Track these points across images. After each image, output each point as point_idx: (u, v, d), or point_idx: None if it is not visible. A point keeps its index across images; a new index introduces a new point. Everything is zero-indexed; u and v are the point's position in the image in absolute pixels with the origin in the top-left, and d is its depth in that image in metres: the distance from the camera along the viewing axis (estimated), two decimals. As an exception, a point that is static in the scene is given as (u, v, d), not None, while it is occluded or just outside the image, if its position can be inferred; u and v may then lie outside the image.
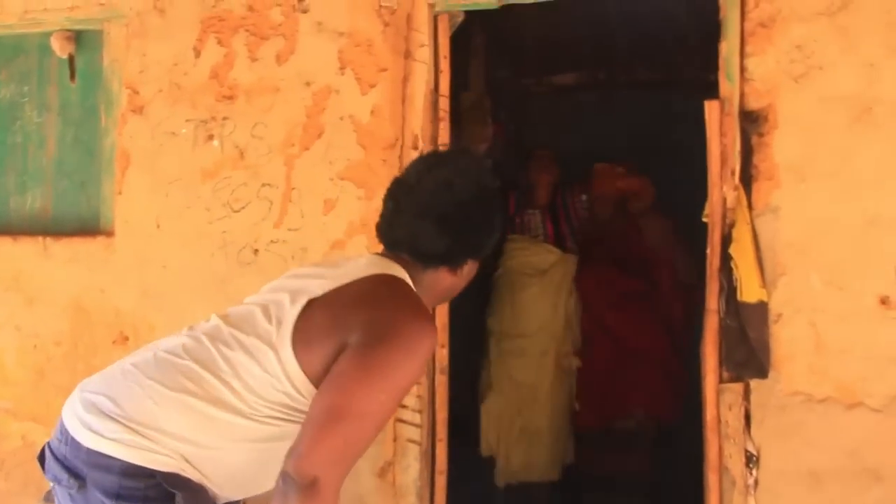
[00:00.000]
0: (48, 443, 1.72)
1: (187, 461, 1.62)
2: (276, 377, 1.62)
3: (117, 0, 3.28)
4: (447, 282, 1.84)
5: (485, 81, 4.54)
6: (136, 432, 1.60)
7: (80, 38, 3.41)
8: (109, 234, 3.26)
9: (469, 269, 1.86)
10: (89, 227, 3.33)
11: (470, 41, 4.34)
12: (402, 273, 1.76)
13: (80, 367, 3.19)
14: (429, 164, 1.86)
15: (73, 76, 3.41)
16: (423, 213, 1.76)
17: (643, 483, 3.80)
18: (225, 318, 1.74)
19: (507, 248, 3.98)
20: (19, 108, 3.51)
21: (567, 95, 5.34)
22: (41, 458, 1.73)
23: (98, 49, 3.39)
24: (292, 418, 1.63)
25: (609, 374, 3.82)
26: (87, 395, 1.67)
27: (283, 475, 1.50)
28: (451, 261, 1.80)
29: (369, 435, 1.57)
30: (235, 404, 1.61)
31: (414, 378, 1.64)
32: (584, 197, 4.04)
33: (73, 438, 1.63)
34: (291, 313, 1.65)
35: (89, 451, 1.60)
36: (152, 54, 3.21)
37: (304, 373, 1.61)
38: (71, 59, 3.39)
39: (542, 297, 3.88)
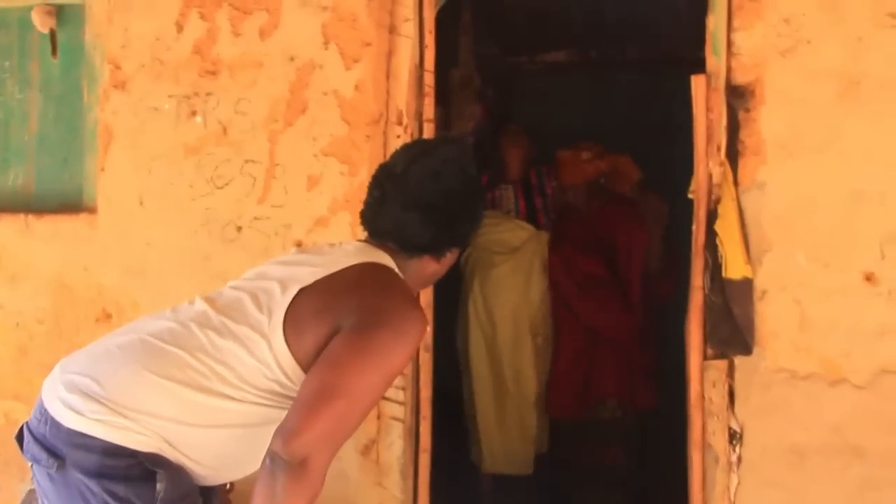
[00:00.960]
0: (26, 423, 1.71)
1: (168, 443, 1.62)
2: (268, 366, 1.62)
3: (99, -27, 3.25)
4: (431, 269, 1.88)
5: (474, 58, 4.51)
6: (118, 413, 1.59)
7: (62, 13, 3.37)
8: (92, 210, 3.23)
9: (451, 257, 1.90)
10: (72, 203, 3.30)
11: (459, 17, 4.31)
12: (388, 261, 1.78)
13: (62, 345, 3.16)
14: (415, 153, 1.86)
15: (54, 51, 3.37)
16: (409, 204, 1.78)
17: (621, 475, 3.71)
18: (212, 304, 1.73)
19: None
20: (0, 84, 3.47)
21: (559, 73, 5.30)
22: (19, 438, 1.72)
23: (80, 24, 3.34)
24: (281, 405, 1.63)
25: (578, 359, 3.73)
26: (70, 377, 1.67)
27: (271, 454, 1.50)
28: (435, 250, 1.83)
29: (359, 416, 1.58)
30: (223, 391, 1.62)
31: (404, 362, 1.65)
32: (554, 182, 3.96)
33: (53, 418, 1.63)
34: (282, 302, 1.65)
35: (70, 431, 1.60)
36: (134, 29, 3.17)
37: (295, 360, 1.62)
38: (52, 33, 3.35)
39: (513, 276, 3.77)
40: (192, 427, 1.62)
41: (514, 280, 3.77)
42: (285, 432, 1.49)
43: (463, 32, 4.36)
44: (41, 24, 3.31)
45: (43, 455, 1.63)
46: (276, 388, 1.63)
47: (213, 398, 1.61)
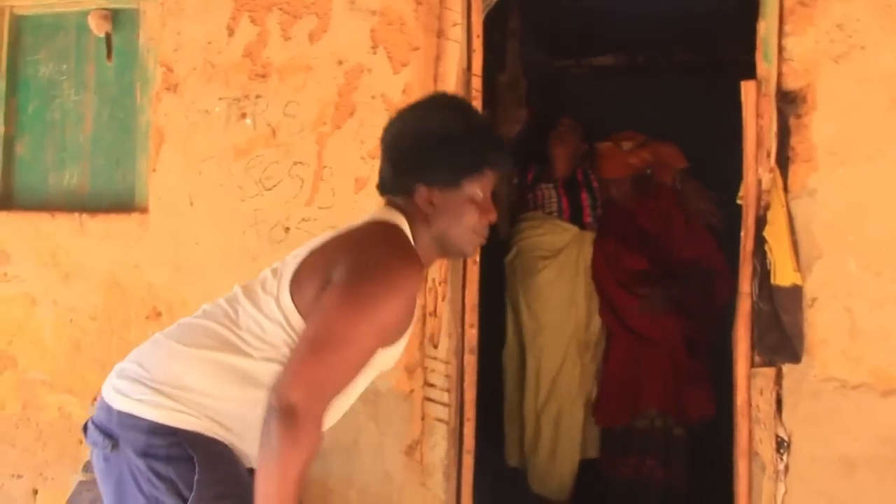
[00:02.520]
0: (91, 416, 1.82)
1: (212, 419, 1.69)
2: (281, 325, 1.69)
3: (153, -22, 3.32)
4: (419, 214, 1.83)
5: (521, 63, 4.51)
6: (162, 392, 1.69)
7: (117, 17, 3.44)
8: (144, 210, 3.29)
9: (441, 201, 1.80)
10: (124, 203, 3.37)
11: (506, 22, 4.31)
12: (399, 219, 1.80)
13: (114, 342, 3.25)
14: (402, 110, 1.92)
15: (109, 54, 3.44)
16: (387, 153, 1.86)
17: (656, 488, 3.58)
18: (243, 284, 1.85)
19: (519, 228, 3.79)
20: (58, 86, 3.55)
21: (606, 77, 5.29)
22: (85, 428, 1.82)
23: (134, 27, 3.42)
24: None
25: (625, 364, 3.62)
26: (122, 365, 1.80)
27: (267, 408, 1.58)
28: (398, 182, 1.82)
29: (350, 365, 1.64)
30: (248, 350, 1.70)
31: (396, 315, 1.67)
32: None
33: (107, 404, 1.74)
34: (292, 265, 1.75)
35: (120, 413, 1.70)
36: (187, 32, 3.22)
37: (301, 316, 1.68)
38: (108, 37, 3.43)
39: (558, 280, 3.67)
40: (226, 392, 1.69)
41: (558, 284, 3.68)
42: (277, 384, 1.57)
43: (510, 37, 4.35)
44: (97, 27, 3.39)
45: (100, 438, 1.73)
46: (294, 345, 1.69)
47: (242, 359, 1.69)
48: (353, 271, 1.64)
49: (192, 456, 1.65)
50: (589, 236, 3.74)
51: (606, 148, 3.79)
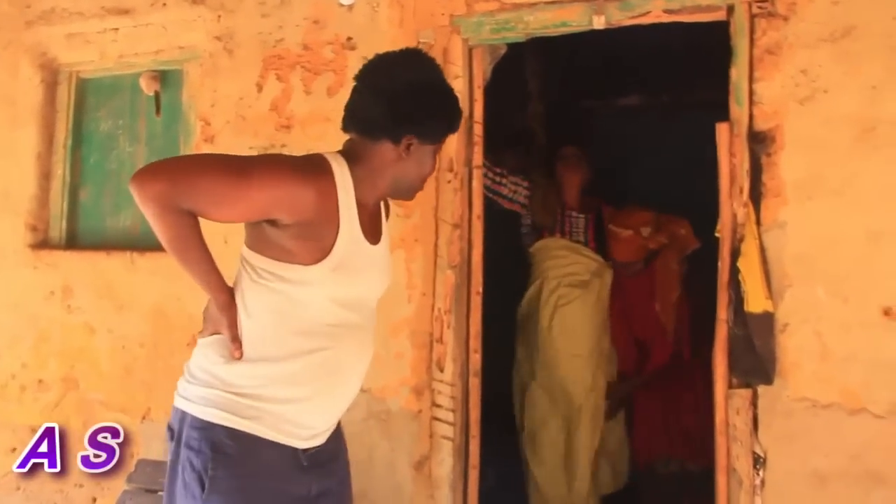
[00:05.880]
0: None
1: (239, 399, 1.83)
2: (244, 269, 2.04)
3: (195, 43, 3.71)
4: (391, 155, 1.90)
5: (544, 103, 4.79)
6: (187, 381, 1.91)
7: (165, 78, 3.86)
8: (187, 249, 3.66)
9: (416, 151, 1.89)
10: (170, 242, 3.75)
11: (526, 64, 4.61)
12: (330, 155, 1.90)
13: (160, 366, 3.60)
14: (386, 55, 1.96)
15: (158, 111, 3.85)
16: (364, 87, 1.93)
17: None
18: None
19: (545, 252, 3.91)
20: (115, 140, 3.98)
21: (632, 116, 5.50)
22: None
23: (179, 86, 3.83)
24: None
25: (659, 401, 3.81)
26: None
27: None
28: (387, 128, 1.87)
29: (216, 186, 1.86)
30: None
31: (276, 186, 1.84)
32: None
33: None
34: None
35: (175, 409, 1.91)
36: (222, 90, 3.60)
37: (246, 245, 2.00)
38: (157, 95, 3.84)
39: (582, 310, 3.82)
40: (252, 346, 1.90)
41: (583, 314, 3.82)
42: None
43: (531, 76, 4.64)
44: (147, 87, 3.80)
45: (167, 432, 1.92)
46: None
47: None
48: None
49: (210, 451, 1.81)
50: (609, 271, 3.92)
51: (627, 236, 3.91)
